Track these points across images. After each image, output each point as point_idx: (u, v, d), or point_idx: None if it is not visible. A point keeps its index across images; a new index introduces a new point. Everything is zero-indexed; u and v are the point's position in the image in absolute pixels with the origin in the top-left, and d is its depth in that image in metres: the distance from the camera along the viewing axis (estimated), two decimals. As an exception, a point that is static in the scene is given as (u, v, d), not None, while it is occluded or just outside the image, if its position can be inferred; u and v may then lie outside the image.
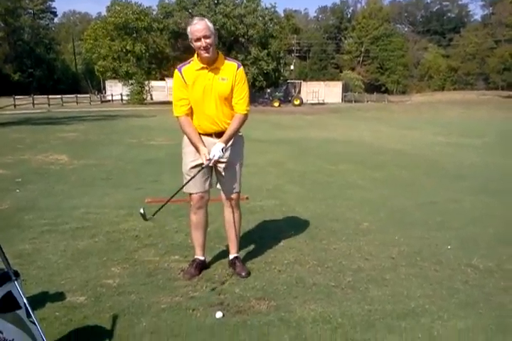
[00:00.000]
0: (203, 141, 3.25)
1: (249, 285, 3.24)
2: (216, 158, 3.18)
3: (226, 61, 3.23)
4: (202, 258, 3.56)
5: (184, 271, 3.44)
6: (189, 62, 3.24)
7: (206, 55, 3.08)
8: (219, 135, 3.27)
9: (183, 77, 3.19)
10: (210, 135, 3.30)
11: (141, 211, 3.07)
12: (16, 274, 2.15)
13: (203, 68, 3.17)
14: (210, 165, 3.22)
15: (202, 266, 3.52)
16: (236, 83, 3.21)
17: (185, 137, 3.41)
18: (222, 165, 3.35)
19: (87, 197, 5.96)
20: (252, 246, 4.01)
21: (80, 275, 3.42)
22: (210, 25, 3.10)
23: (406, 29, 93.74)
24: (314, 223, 4.77)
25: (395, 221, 4.95)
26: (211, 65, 3.16)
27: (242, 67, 3.26)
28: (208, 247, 3.90)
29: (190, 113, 3.28)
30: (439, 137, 14.57)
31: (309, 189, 6.67)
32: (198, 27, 3.05)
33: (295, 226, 4.69)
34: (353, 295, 3.09)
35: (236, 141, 3.37)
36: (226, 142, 3.24)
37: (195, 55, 3.19)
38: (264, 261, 3.69)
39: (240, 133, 3.43)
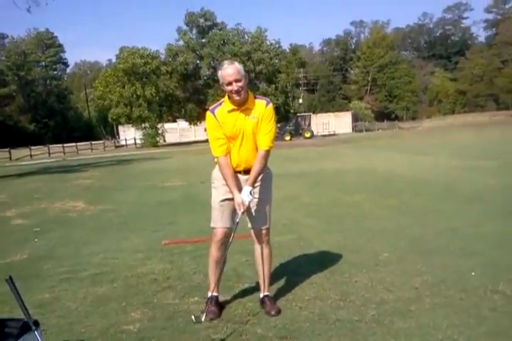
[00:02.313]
0: (238, 186, 3.29)
1: (270, 324, 3.17)
2: (246, 203, 3.24)
3: (256, 100, 3.31)
4: (217, 294, 3.52)
5: (206, 311, 3.36)
6: (220, 104, 3.33)
7: (237, 98, 3.18)
8: (247, 172, 3.33)
9: (216, 119, 3.28)
10: (239, 172, 3.36)
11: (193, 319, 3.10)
12: (36, 324, 2.16)
13: (234, 110, 3.26)
14: (243, 211, 3.26)
15: (219, 303, 3.48)
16: (263, 119, 3.28)
17: (214, 171, 3.47)
18: (252, 204, 3.37)
19: (104, 242, 5.98)
20: (271, 283, 3.95)
21: (99, 322, 3.39)
22: (241, 68, 3.20)
23: (411, 55, 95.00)
24: (333, 256, 4.70)
25: (416, 249, 4.86)
26: (242, 105, 3.25)
27: (271, 104, 3.35)
28: (227, 286, 3.87)
29: (229, 153, 3.33)
30: (453, 161, 14.44)
31: (326, 221, 6.62)
32: (229, 71, 3.14)
33: (314, 260, 4.63)
34: (378, 329, 3.01)
35: (264, 177, 3.41)
36: (253, 184, 3.29)
37: (226, 97, 3.28)
38: (284, 299, 3.63)
39: (268, 170, 3.47)
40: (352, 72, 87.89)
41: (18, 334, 2.06)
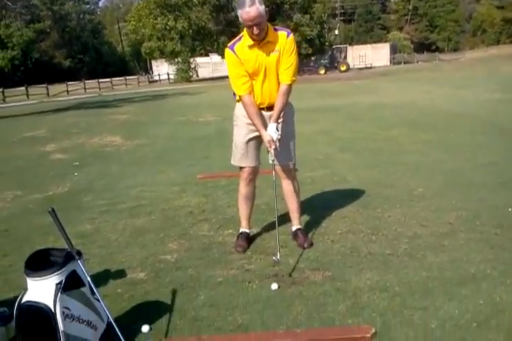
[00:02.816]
0: (264, 124, 3.21)
1: (303, 256, 3.24)
2: (275, 139, 3.17)
3: (276, 32, 3.13)
4: (248, 231, 3.61)
5: (235, 245, 3.48)
6: (240, 39, 3.16)
7: (256, 37, 3.03)
8: (270, 108, 3.24)
9: (237, 55, 3.12)
10: (262, 108, 3.27)
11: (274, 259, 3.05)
12: (79, 253, 2.25)
13: (254, 44, 3.09)
14: (274, 148, 3.20)
15: (249, 238, 3.57)
16: (284, 51, 3.12)
17: (235, 110, 3.41)
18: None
19: (141, 176, 6.13)
20: (303, 218, 3.97)
21: (139, 252, 3.53)
22: (262, 8, 2.94)
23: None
24: (367, 191, 4.68)
25: (452, 184, 4.79)
26: (262, 40, 3.08)
27: (292, 35, 3.16)
28: (260, 219, 3.94)
29: (252, 90, 3.21)
30: (495, 94, 13.85)
31: (360, 156, 6.56)
32: (250, 14, 2.91)
33: (347, 195, 4.63)
34: (410, 262, 3.04)
35: (286, 112, 3.31)
36: (277, 120, 3.21)
37: (245, 31, 3.10)
38: (316, 232, 3.68)
39: (290, 105, 3.37)
40: (392, 0, 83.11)
41: (62, 263, 2.16)
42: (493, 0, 75.08)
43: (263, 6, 2.96)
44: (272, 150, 3.20)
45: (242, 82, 3.17)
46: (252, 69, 3.14)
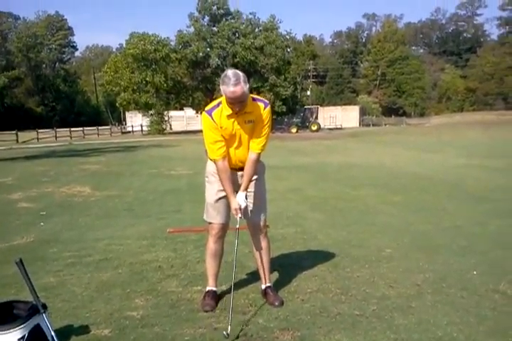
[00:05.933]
0: (235, 184, 3.29)
1: (272, 315, 3.21)
2: (242, 207, 3.26)
3: (255, 102, 3.22)
4: (215, 289, 3.57)
5: (202, 304, 3.41)
6: (218, 105, 3.20)
7: (237, 111, 3.12)
8: (242, 168, 3.33)
9: (214, 122, 3.18)
10: (234, 169, 3.34)
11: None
12: (44, 307, 2.20)
13: (232, 114, 3.16)
14: (240, 216, 3.27)
15: (217, 297, 3.52)
16: (260, 122, 3.23)
17: (208, 166, 3.46)
18: (249, 197, 3.37)
19: (109, 228, 6.03)
20: (273, 275, 3.97)
21: (104, 307, 3.44)
22: (246, 87, 3.02)
23: (422, 51, 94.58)
24: (336, 250, 4.72)
25: (419, 246, 4.89)
26: (241, 110, 3.16)
27: (268, 107, 3.27)
28: (230, 276, 3.89)
29: (227, 154, 3.27)
30: (460, 159, 14.41)
31: (330, 215, 6.64)
32: (236, 94, 2.98)
33: (317, 254, 4.66)
34: (379, 324, 3.04)
35: (258, 169, 3.37)
36: (246, 188, 3.30)
37: (224, 99, 3.15)
38: (286, 291, 3.67)
39: (260, 162, 3.43)
40: (362, 65, 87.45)
41: (26, 317, 2.10)
42: (456, 69, 79.85)
43: (247, 85, 3.05)
44: (237, 218, 3.27)
45: (218, 147, 3.23)
46: (228, 137, 3.24)
